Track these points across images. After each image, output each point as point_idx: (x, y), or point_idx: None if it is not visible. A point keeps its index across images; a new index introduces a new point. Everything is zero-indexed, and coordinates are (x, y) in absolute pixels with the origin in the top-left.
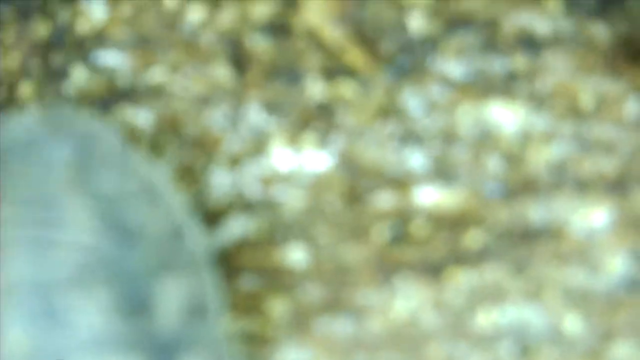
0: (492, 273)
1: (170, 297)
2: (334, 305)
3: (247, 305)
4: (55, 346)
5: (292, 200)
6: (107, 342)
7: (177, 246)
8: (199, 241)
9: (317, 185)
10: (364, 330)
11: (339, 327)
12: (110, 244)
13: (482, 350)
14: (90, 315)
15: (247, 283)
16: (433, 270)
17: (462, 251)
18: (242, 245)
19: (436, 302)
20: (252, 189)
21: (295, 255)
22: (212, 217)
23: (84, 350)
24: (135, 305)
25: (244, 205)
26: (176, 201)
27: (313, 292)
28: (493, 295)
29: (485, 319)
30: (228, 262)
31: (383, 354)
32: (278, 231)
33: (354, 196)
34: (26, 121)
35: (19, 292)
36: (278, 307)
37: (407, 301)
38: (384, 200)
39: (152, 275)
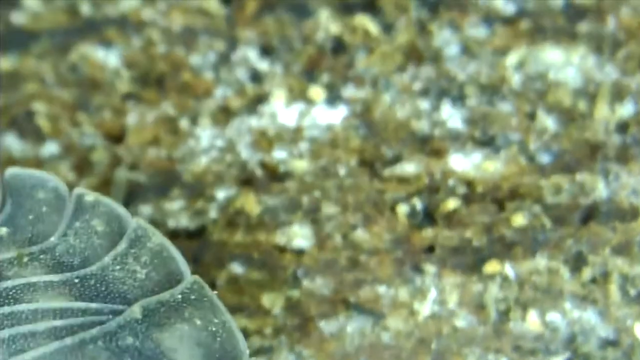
0: (546, 264)
1: None
2: (346, 302)
3: (240, 302)
4: None
5: (295, 167)
6: None
7: None
8: None
9: (327, 149)
10: (383, 334)
11: (352, 329)
12: None
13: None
14: None
15: (241, 274)
16: (471, 260)
17: (507, 236)
18: (234, 225)
19: (474, 300)
20: (246, 152)
21: (299, 239)
22: (198, 186)
23: None
24: None
25: (237, 172)
26: None
27: (320, 286)
28: (546, 292)
29: (536, 321)
30: (217, 247)
31: (404, 358)
32: (278, 208)
33: (373, 163)
34: None
35: None
36: (277, 304)
37: (438, 299)
38: (410, 168)
39: None
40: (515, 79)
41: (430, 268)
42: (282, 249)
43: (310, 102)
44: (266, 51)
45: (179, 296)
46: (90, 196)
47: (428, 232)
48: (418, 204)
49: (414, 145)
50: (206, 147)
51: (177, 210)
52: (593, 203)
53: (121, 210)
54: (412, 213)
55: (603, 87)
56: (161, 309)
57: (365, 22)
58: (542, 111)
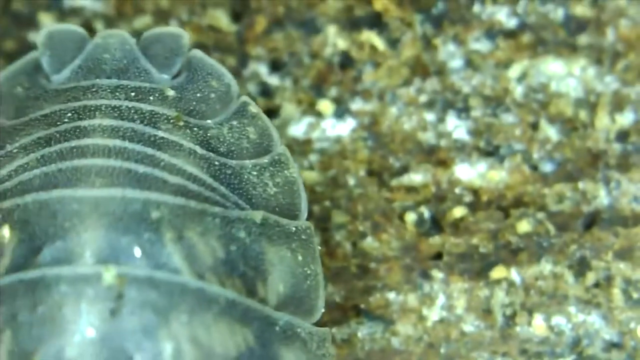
0: (551, 269)
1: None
2: (357, 309)
3: None
4: None
5: (306, 178)
6: None
7: None
8: None
9: (337, 160)
10: (393, 339)
11: (363, 335)
12: None
13: None
14: None
15: None
16: (478, 266)
17: (513, 242)
18: None
19: (482, 305)
20: None
21: None
22: None
23: None
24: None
25: None
26: None
27: (331, 294)
28: (551, 297)
29: (542, 325)
30: None
31: None
32: None
33: (381, 173)
34: None
35: None
36: None
37: (446, 304)
38: (417, 178)
39: None
40: (518, 91)
41: (438, 274)
42: None
43: (319, 115)
44: (276, 66)
45: (293, 228)
46: (254, 108)
47: (436, 240)
48: (425, 212)
49: (421, 156)
50: None
51: None
52: (595, 210)
53: (275, 132)
54: (420, 221)
55: (603, 97)
56: (276, 227)
57: (372, 37)
58: (544, 121)
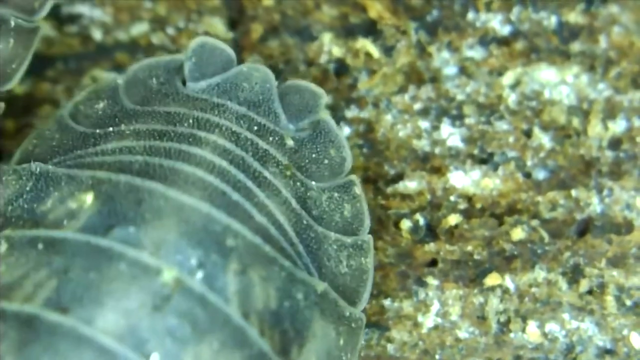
0: (544, 277)
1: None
2: None
3: None
4: None
5: None
6: None
7: None
8: None
9: None
10: (388, 345)
11: None
12: None
13: None
14: None
15: None
16: (472, 273)
17: (507, 249)
18: None
19: (476, 312)
20: None
21: None
22: None
23: None
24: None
25: None
26: None
27: None
28: (545, 304)
29: (536, 332)
30: None
31: None
32: None
33: (376, 180)
34: None
35: None
36: None
37: (441, 311)
38: (412, 185)
39: None
40: (512, 98)
41: (433, 281)
42: None
43: None
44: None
45: (347, 313)
46: (358, 189)
47: (431, 247)
48: (421, 219)
49: (416, 163)
50: None
51: None
52: (588, 217)
53: (367, 219)
54: (415, 228)
55: (596, 105)
56: (332, 305)
57: (367, 45)
58: (537, 129)
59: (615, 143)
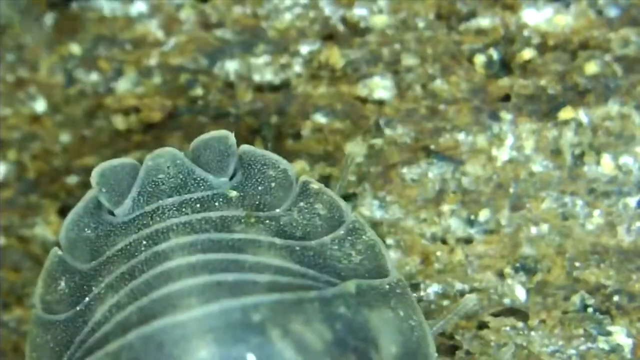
0: (618, 110)
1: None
2: (427, 150)
3: (325, 151)
4: None
5: (375, 22)
6: None
7: None
8: None
9: (405, 3)
10: (463, 179)
11: (433, 175)
12: None
13: (604, 204)
14: None
15: (324, 124)
16: (546, 107)
17: (581, 84)
18: (317, 78)
19: (550, 145)
20: (329, 8)
21: (380, 90)
22: (282, 41)
23: None
24: None
25: (320, 28)
26: None
27: (401, 135)
28: (619, 137)
29: (610, 164)
30: (301, 100)
31: (483, 202)
32: (359, 61)
33: (449, 17)
34: None
35: None
36: (357, 153)
37: (515, 145)
38: (485, 22)
39: None
40: None
41: (506, 116)
42: (364, 100)
43: None
44: None
45: (387, 286)
46: (316, 185)
47: (504, 81)
48: (494, 54)
49: (488, 1)
50: (290, 4)
51: (262, 65)
52: None
53: (342, 202)
54: (489, 63)
55: None
56: (371, 292)
57: None
58: None
59: None
